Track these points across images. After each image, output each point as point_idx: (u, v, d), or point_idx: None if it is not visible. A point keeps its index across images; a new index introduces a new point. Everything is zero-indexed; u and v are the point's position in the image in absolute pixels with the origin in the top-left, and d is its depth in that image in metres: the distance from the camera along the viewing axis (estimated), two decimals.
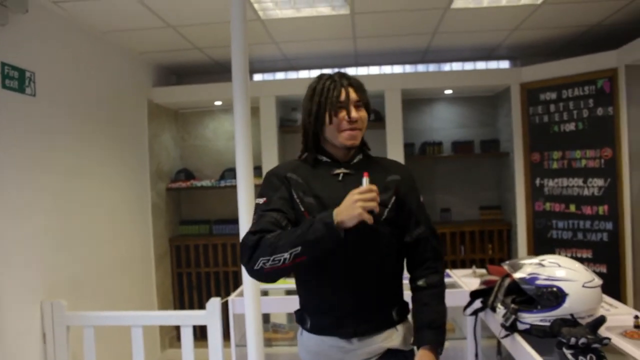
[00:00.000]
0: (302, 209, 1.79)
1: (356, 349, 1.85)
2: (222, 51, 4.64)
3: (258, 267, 1.65)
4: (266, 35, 4.25)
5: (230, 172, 5.17)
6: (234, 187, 5.00)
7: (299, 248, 1.60)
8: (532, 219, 4.79)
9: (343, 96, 1.81)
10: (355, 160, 1.90)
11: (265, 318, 3.41)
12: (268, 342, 3.37)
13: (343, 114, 1.81)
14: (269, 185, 1.85)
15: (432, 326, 1.83)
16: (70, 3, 3.33)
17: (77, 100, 3.66)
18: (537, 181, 4.74)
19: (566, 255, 4.24)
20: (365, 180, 1.65)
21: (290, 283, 2.35)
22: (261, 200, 1.81)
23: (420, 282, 1.90)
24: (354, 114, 1.81)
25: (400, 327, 1.90)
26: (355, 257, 1.78)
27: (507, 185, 5.11)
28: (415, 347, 1.87)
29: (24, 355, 2.98)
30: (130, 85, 4.58)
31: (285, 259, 1.61)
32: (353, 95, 1.83)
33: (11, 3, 2.88)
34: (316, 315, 1.88)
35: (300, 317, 1.95)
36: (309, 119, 1.86)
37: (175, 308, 5.14)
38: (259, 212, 1.78)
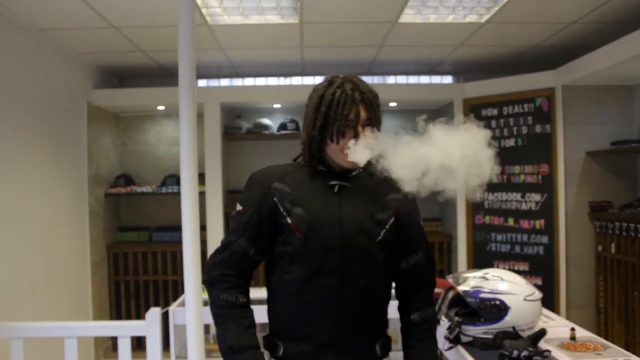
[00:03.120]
0: (289, 221, 1.63)
1: None
2: (166, 55, 4.54)
3: (210, 298, 1.71)
4: (213, 41, 4.18)
5: (171, 179, 5.05)
6: (176, 194, 4.98)
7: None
8: (472, 232, 4.90)
9: (353, 115, 1.61)
10: (354, 173, 1.72)
11: (206, 329, 3.34)
12: (209, 354, 3.29)
13: (350, 134, 1.61)
14: (250, 193, 1.70)
15: None
16: None
17: (10, 100, 3.48)
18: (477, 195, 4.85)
19: (504, 268, 4.37)
20: None
21: None
22: (239, 208, 1.70)
23: (415, 316, 1.76)
24: (360, 136, 1.61)
25: None
26: (344, 279, 1.62)
27: (448, 198, 5.20)
28: None
29: None
30: (69, 86, 4.41)
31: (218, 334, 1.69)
32: (363, 114, 1.62)
33: None
34: (291, 342, 1.68)
35: (270, 342, 1.73)
36: (313, 132, 1.65)
37: (111, 318, 4.96)
38: (234, 226, 1.71)
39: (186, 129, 2.61)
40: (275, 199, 1.65)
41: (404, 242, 1.74)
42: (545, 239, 4.43)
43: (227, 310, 1.66)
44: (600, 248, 4.20)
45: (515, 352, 1.85)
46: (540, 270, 4.46)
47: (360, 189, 1.70)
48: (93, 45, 4.26)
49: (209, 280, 1.70)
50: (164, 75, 5.17)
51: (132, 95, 4.93)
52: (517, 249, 4.60)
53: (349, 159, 1.60)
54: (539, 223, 4.46)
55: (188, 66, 2.73)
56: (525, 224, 4.55)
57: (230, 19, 3.71)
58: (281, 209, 1.64)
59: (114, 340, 4.90)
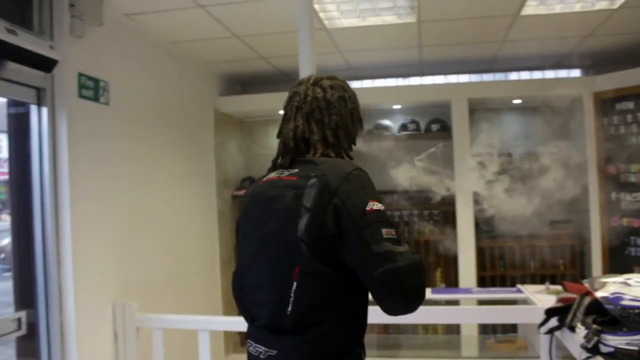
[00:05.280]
0: None
1: None
2: (286, 60, 4.66)
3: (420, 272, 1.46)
4: (331, 45, 4.24)
5: None
6: None
7: None
8: (608, 235, 4.56)
9: None
10: None
11: None
12: None
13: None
14: (375, 189, 1.54)
15: None
16: (142, 15, 3.42)
17: (147, 109, 3.76)
18: (613, 195, 4.52)
19: None
20: None
21: None
22: (382, 207, 1.47)
23: None
24: None
25: None
26: None
27: (580, 199, 4.89)
28: None
29: (97, 352, 3.08)
30: (198, 94, 4.67)
31: None
32: None
33: (87, 17, 2.98)
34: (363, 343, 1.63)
35: (357, 355, 1.59)
36: (359, 126, 1.76)
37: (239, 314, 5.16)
38: (393, 223, 1.47)
39: None
40: None
41: None
42: None
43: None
44: None
45: None
46: None
47: None
48: (218, 55, 4.48)
49: (423, 266, 1.46)
50: (284, 80, 5.32)
51: (254, 101, 5.12)
52: None
53: None
54: None
55: (308, 70, 2.80)
56: None
57: (348, 21, 3.74)
58: None
59: (242, 335, 5.13)
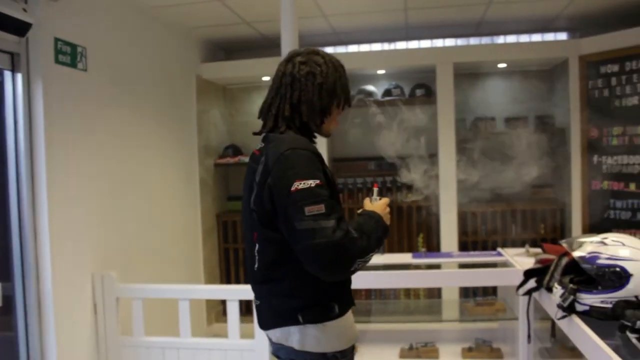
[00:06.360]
0: (332, 188, 1.70)
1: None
2: (270, 25, 4.58)
3: (354, 268, 1.58)
4: (315, 8, 4.16)
5: None
6: None
7: (377, 249, 1.65)
8: (588, 199, 4.60)
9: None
10: None
11: None
12: None
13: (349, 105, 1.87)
14: (314, 165, 1.64)
15: None
16: None
17: (127, 76, 3.69)
18: (595, 158, 4.54)
19: None
20: (376, 191, 1.80)
21: None
22: (314, 183, 1.57)
23: None
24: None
25: None
26: None
27: (561, 163, 4.91)
28: None
29: (76, 324, 3.07)
30: (179, 60, 4.59)
31: (368, 260, 1.63)
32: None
33: None
34: (343, 296, 1.81)
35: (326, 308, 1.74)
36: (329, 102, 1.78)
37: (221, 283, 5.20)
38: (324, 200, 1.57)
39: None
40: (323, 166, 1.69)
41: None
42: None
43: (359, 232, 1.60)
44: None
45: (639, 323, 1.71)
46: None
47: None
48: (200, 20, 4.39)
49: (348, 247, 1.54)
50: (268, 45, 5.24)
51: (238, 68, 5.05)
52: (639, 216, 4.27)
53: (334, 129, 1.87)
54: None
55: (290, 34, 2.75)
56: None
57: None
58: (329, 175, 1.71)
59: (224, 305, 5.15)
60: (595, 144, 4.52)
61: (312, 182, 1.57)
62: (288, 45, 2.77)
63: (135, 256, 3.69)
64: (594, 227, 4.51)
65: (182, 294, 3.14)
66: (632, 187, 4.28)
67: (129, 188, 3.68)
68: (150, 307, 3.30)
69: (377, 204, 1.78)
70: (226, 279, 5.22)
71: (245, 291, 3.07)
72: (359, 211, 1.78)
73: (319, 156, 1.69)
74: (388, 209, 1.77)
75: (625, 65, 4.29)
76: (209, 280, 4.93)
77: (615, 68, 4.36)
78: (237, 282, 5.16)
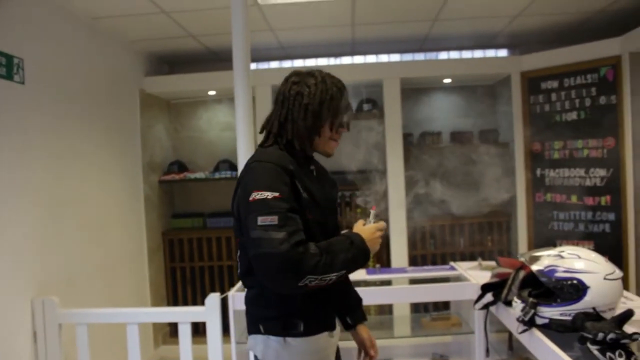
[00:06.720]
0: (304, 205, 1.71)
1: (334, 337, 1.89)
2: (217, 39, 4.50)
3: (302, 284, 1.55)
4: (263, 22, 4.12)
5: (224, 164, 5.05)
6: (229, 179, 4.97)
7: (344, 271, 1.63)
8: (533, 211, 4.72)
9: (348, 110, 1.87)
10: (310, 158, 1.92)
11: None
12: None
13: (345, 128, 1.87)
14: (277, 178, 1.65)
15: (360, 305, 2.10)
16: None
17: (67, 89, 3.52)
18: (538, 171, 4.67)
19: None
20: (373, 213, 1.77)
21: None
22: (269, 195, 1.60)
23: None
24: (348, 128, 1.87)
25: None
26: None
27: (506, 176, 5.03)
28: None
29: (14, 355, 2.85)
30: (122, 74, 4.44)
31: (331, 280, 1.60)
32: (351, 109, 1.89)
33: None
34: (311, 319, 1.78)
35: (288, 323, 1.76)
36: (314, 122, 1.78)
37: (168, 303, 5.03)
38: (280, 212, 1.58)
39: (242, 110, 2.58)
40: (296, 181, 1.70)
41: None
42: (612, 216, 4.22)
43: (323, 251, 1.60)
44: None
45: (601, 335, 1.72)
46: (607, 249, 4.24)
47: (322, 171, 1.95)
48: (144, 32, 4.26)
49: (298, 260, 1.53)
50: (213, 59, 5.15)
51: (183, 82, 4.93)
52: (581, 227, 4.40)
53: (335, 148, 1.87)
54: (605, 199, 4.25)
55: (241, 48, 2.69)
56: (589, 200, 4.34)
57: None
58: (301, 191, 1.71)
59: (171, 326, 4.99)
60: (538, 157, 4.66)
61: (269, 194, 1.60)
62: (240, 59, 2.72)
63: (78, 279, 3.51)
64: (539, 238, 4.64)
65: (131, 318, 2.99)
66: (574, 199, 4.43)
67: (70, 207, 3.49)
68: (96, 333, 3.13)
69: (364, 227, 1.76)
70: (173, 299, 5.06)
71: (198, 313, 2.98)
72: (343, 231, 1.78)
73: (287, 171, 1.68)
74: (378, 234, 1.75)
75: (564, 81, 4.45)
76: (156, 301, 4.76)
77: (555, 84, 4.52)
78: (185, 302, 5.00)
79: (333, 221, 1.89)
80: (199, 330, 2.97)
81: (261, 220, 1.57)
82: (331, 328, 1.84)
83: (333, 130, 1.82)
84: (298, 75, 1.84)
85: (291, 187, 1.67)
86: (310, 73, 1.84)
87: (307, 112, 1.78)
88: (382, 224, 1.75)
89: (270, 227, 1.55)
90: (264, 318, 1.77)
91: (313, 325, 1.76)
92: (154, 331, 4.73)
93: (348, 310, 2.04)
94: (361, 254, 1.68)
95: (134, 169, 4.58)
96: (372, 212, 1.77)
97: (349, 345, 2.17)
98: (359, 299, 2.09)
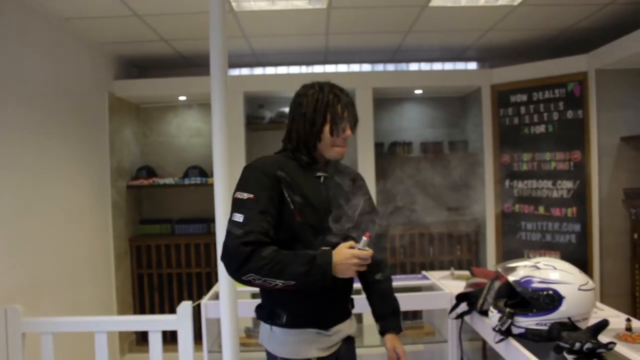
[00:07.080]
0: (292, 207, 1.83)
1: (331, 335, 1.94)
2: (189, 43, 4.46)
3: (246, 279, 1.70)
4: (237, 29, 4.09)
5: (194, 170, 4.98)
6: (199, 186, 4.92)
7: (293, 282, 1.69)
8: (502, 221, 4.80)
9: (346, 115, 1.91)
10: (327, 164, 2.01)
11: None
12: (241, 347, 3.23)
13: (348, 132, 1.92)
14: (257, 182, 1.81)
15: (396, 314, 2.13)
16: None
17: (33, 91, 3.41)
18: (507, 183, 4.76)
19: (534, 257, 4.26)
20: (364, 240, 1.76)
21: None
22: (245, 196, 1.78)
23: (378, 276, 2.10)
24: (349, 132, 1.92)
25: (352, 316, 2.09)
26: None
27: (476, 187, 5.11)
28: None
29: None
30: (91, 77, 4.35)
31: (276, 285, 1.69)
32: (352, 114, 1.95)
33: None
34: (295, 311, 1.90)
35: (271, 313, 1.93)
36: (310, 129, 1.90)
37: (135, 311, 4.92)
38: (247, 212, 1.74)
39: (218, 116, 2.55)
40: (282, 185, 1.82)
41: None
42: (577, 227, 4.32)
43: (275, 258, 1.70)
44: (636, 236, 4.08)
45: (577, 345, 1.76)
46: (573, 259, 4.28)
47: (336, 177, 2.00)
48: (114, 35, 4.18)
49: (243, 257, 1.68)
50: (184, 65, 5.10)
51: (153, 86, 4.86)
52: (548, 237, 4.50)
53: (340, 153, 1.94)
54: (571, 211, 4.35)
55: (219, 54, 2.65)
56: (556, 212, 4.44)
57: (257, 4, 3.62)
58: (286, 195, 1.82)
59: (137, 334, 4.88)
60: (507, 169, 4.74)
61: (245, 195, 1.77)
62: (217, 64, 2.67)
63: (43, 287, 3.40)
64: (507, 248, 4.71)
65: (99, 327, 2.90)
66: (541, 210, 4.52)
67: (35, 213, 3.39)
68: (61, 342, 3.04)
69: (343, 251, 1.75)
70: (140, 306, 4.95)
71: (169, 322, 2.91)
72: (324, 248, 1.78)
73: (271, 176, 1.81)
74: (354, 261, 1.73)
75: (533, 95, 4.55)
76: (122, 308, 4.65)
77: (524, 98, 4.61)
78: (152, 310, 4.90)
79: (336, 226, 1.90)
80: (166, 338, 2.89)
81: (232, 216, 1.76)
82: (322, 327, 1.90)
83: (334, 135, 1.90)
84: (303, 88, 1.97)
85: (275, 191, 1.80)
86: (312, 84, 1.96)
87: (305, 120, 1.90)
88: (365, 253, 1.75)
89: (235, 224, 1.73)
90: (259, 305, 1.98)
91: (297, 319, 1.88)
92: (120, 339, 4.62)
93: (379, 318, 2.12)
94: (318, 273, 1.70)
95: (102, 173, 4.48)
96: (365, 239, 1.75)
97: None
98: (395, 309, 2.13)
